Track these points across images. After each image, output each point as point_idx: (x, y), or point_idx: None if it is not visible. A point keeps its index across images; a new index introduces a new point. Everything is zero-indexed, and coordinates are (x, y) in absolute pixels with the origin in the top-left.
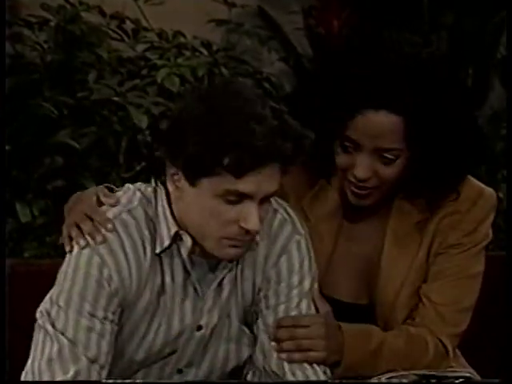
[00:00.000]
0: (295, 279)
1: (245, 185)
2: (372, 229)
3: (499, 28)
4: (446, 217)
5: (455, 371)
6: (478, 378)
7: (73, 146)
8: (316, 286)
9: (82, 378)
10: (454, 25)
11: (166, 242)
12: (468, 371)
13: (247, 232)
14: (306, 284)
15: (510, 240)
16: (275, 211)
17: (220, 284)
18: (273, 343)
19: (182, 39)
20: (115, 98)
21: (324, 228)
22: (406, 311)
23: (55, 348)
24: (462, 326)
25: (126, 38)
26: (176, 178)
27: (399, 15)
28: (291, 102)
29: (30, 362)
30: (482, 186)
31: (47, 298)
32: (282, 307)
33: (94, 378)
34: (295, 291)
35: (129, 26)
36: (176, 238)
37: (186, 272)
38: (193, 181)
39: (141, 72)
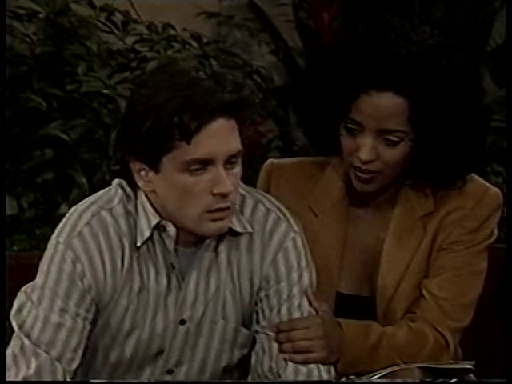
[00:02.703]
0: (294, 276)
1: (199, 150)
2: (377, 218)
3: (489, 21)
4: (451, 213)
5: (457, 363)
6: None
7: (62, 138)
8: (314, 285)
9: (45, 372)
10: (445, 17)
11: (146, 233)
12: (469, 363)
13: (222, 196)
14: (305, 280)
15: (509, 238)
16: (269, 211)
17: (205, 276)
18: (275, 345)
19: (171, 31)
20: (105, 91)
21: (331, 218)
22: (406, 304)
23: (18, 346)
24: (464, 322)
25: (115, 31)
26: (142, 173)
27: (389, 8)
28: (296, 82)
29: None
30: (488, 184)
31: (23, 289)
32: (284, 307)
33: (60, 372)
34: (296, 289)
35: (118, 18)
36: (159, 230)
37: (169, 265)
38: (156, 166)
39: (130, 64)
